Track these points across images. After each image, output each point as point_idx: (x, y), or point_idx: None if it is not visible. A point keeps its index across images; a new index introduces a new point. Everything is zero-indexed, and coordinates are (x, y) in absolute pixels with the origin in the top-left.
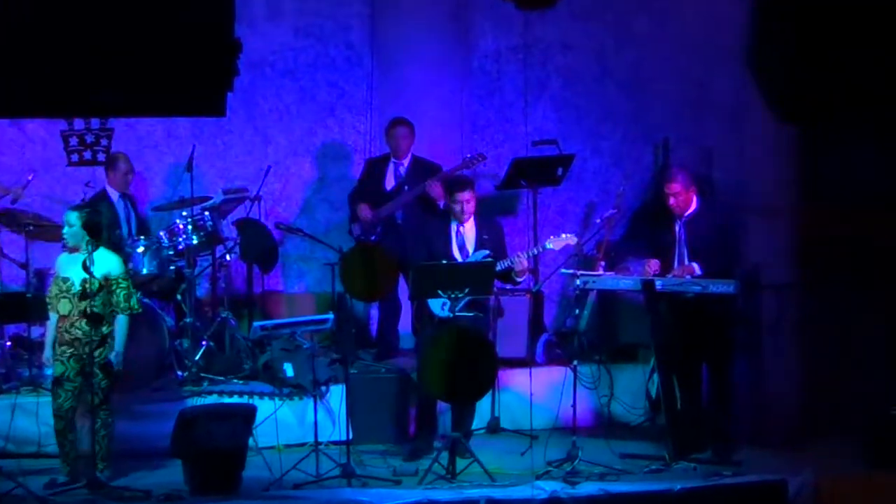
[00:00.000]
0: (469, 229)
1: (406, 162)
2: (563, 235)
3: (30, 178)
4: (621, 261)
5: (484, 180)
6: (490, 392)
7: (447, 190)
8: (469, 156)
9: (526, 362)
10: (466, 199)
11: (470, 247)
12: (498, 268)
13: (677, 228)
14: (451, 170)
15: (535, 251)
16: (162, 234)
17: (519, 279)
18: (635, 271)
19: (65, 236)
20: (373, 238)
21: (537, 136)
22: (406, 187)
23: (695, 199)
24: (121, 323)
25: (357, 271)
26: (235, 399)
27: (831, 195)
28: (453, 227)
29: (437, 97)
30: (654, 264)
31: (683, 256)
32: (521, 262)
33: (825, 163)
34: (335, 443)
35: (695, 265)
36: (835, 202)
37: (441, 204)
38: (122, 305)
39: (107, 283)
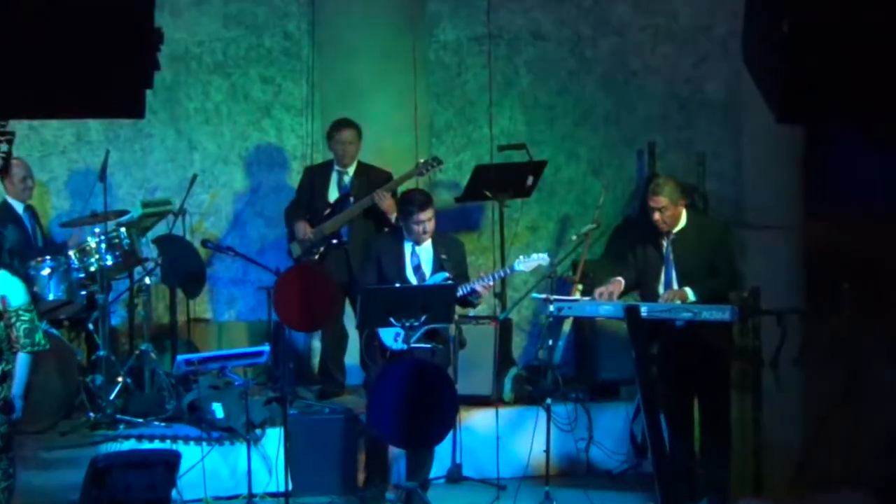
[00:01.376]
0: (426, 248)
1: (352, 170)
2: (534, 255)
3: None
4: (601, 283)
5: (442, 190)
6: (450, 435)
7: (403, 208)
8: (423, 161)
9: (492, 401)
10: (427, 219)
11: (427, 268)
12: (459, 292)
13: (664, 247)
14: (403, 177)
15: (502, 274)
16: (71, 253)
17: (477, 301)
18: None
19: None
20: (314, 258)
21: (504, 139)
22: (352, 199)
23: (684, 213)
24: (21, 362)
25: (296, 296)
26: (156, 444)
27: (841, 207)
28: (407, 245)
29: (388, 95)
30: (615, 286)
31: (671, 279)
32: (485, 285)
33: (835, 170)
34: (272, 494)
35: (688, 290)
36: (846, 216)
37: (393, 217)
38: (22, 341)
39: (4, 314)
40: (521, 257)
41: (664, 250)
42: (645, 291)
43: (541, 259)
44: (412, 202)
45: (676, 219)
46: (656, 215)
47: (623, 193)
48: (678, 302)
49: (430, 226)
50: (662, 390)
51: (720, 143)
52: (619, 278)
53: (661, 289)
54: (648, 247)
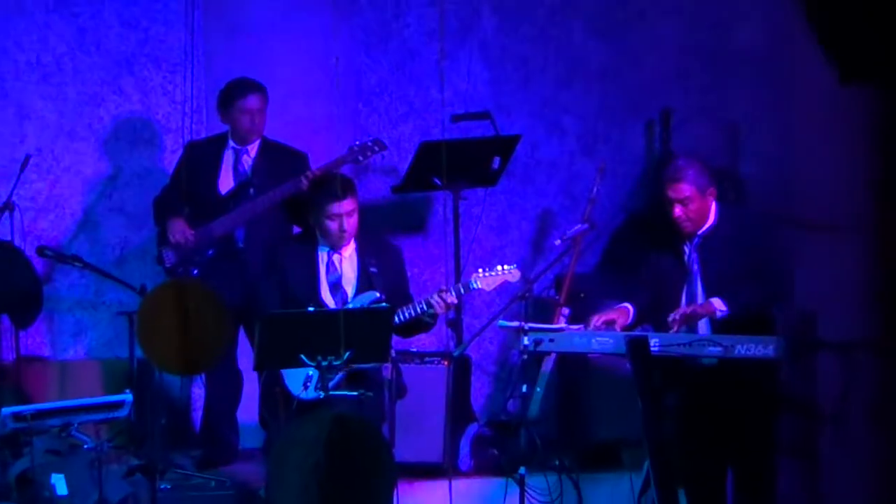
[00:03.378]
0: (348, 258)
1: (253, 150)
2: (500, 268)
3: None
4: (596, 307)
5: (375, 177)
6: None
7: (312, 197)
8: (359, 143)
9: (443, 470)
10: (346, 212)
11: (349, 286)
12: (397, 319)
13: (687, 253)
14: (331, 164)
15: (453, 293)
16: None
17: (431, 322)
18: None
19: None
20: (194, 271)
21: (460, 106)
22: (252, 190)
23: (713, 207)
24: None
25: (168, 325)
26: None
27: None
28: (322, 254)
29: (299, 45)
30: (619, 314)
31: (696, 297)
32: (441, 300)
33: None
34: None
35: (716, 302)
36: None
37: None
38: None
39: None
40: (481, 271)
41: (686, 258)
42: (660, 317)
43: (508, 274)
44: (323, 187)
45: (703, 214)
46: (677, 209)
47: (626, 181)
48: (702, 323)
49: (352, 223)
50: (682, 456)
51: (760, 110)
52: (627, 305)
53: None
54: (665, 254)
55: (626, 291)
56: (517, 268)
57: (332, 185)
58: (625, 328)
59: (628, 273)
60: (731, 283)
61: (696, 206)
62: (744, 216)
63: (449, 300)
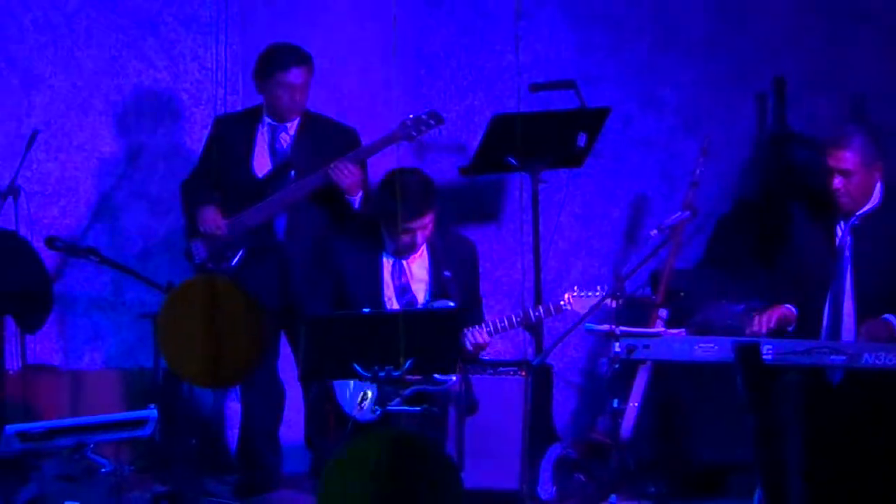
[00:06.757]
0: (419, 259)
1: (293, 125)
2: (598, 289)
3: None
4: (701, 308)
5: (440, 156)
6: None
7: (382, 204)
8: (412, 117)
9: (520, 499)
10: (421, 227)
11: (420, 291)
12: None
13: (839, 235)
14: (379, 143)
15: (540, 314)
16: None
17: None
18: (723, 323)
19: None
20: (227, 265)
21: (539, 74)
22: (293, 172)
23: (879, 186)
24: None
25: (193, 329)
26: None
27: None
28: (387, 258)
29: (350, 2)
30: (782, 312)
31: (844, 289)
32: (479, 336)
33: None
34: None
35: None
36: None
37: (355, 201)
38: None
39: None
40: (576, 289)
41: (839, 240)
42: (803, 313)
43: (606, 296)
44: (397, 199)
45: (867, 192)
46: (837, 181)
47: (733, 161)
48: (846, 329)
49: (424, 235)
50: (803, 484)
51: (888, 79)
52: (790, 305)
53: (827, 308)
54: (812, 234)
55: (733, 289)
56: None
57: (408, 196)
58: (780, 328)
59: (743, 265)
60: (888, 285)
61: (860, 181)
62: None
63: (480, 340)
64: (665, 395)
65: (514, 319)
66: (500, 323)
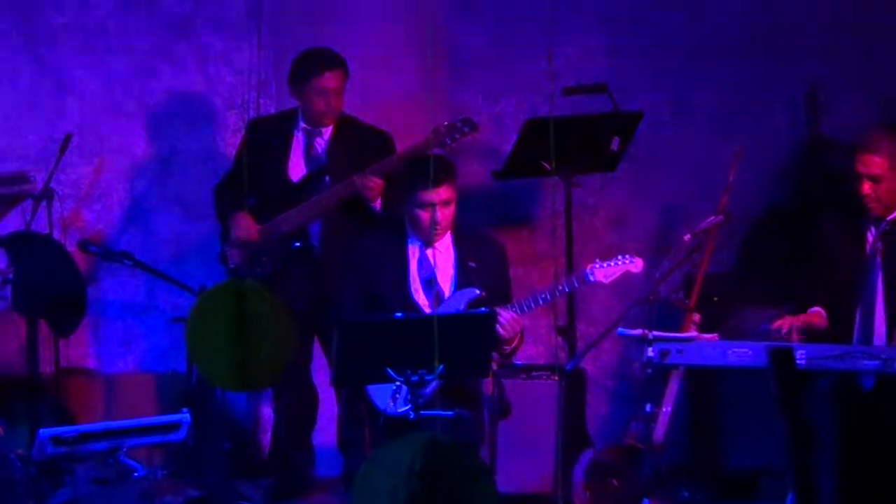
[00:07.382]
0: (444, 251)
1: (328, 130)
2: (621, 258)
3: None
4: (734, 313)
5: (471, 160)
6: None
7: (403, 180)
8: (447, 124)
9: (553, 503)
10: (441, 201)
11: (446, 283)
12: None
13: (870, 241)
14: (411, 151)
15: (565, 287)
16: None
17: (508, 348)
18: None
19: None
20: (261, 271)
21: (572, 78)
22: (328, 177)
23: None
24: None
25: (223, 332)
26: None
27: None
28: (413, 248)
29: (383, 6)
30: (814, 318)
31: (875, 297)
32: (510, 321)
33: None
34: None
35: None
36: None
37: (376, 205)
38: None
39: None
40: (598, 261)
41: (870, 247)
42: (834, 320)
43: (630, 263)
44: (414, 171)
45: None
46: (866, 186)
47: (767, 166)
48: (878, 332)
49: (447, 214)
50: (835, 489)
51: None
52: (820, 309)
53: (859, 315)
54: (842, 240)
55: (765, 294)
56: (639, 260)
57: (424, 168)
58: (807, 333)
59: (775, 270)
60: None
61: (889, 186)
62: None
63: (507, 319)
64: (698, 400)
65: (539, 298)
66: (527, 303)
